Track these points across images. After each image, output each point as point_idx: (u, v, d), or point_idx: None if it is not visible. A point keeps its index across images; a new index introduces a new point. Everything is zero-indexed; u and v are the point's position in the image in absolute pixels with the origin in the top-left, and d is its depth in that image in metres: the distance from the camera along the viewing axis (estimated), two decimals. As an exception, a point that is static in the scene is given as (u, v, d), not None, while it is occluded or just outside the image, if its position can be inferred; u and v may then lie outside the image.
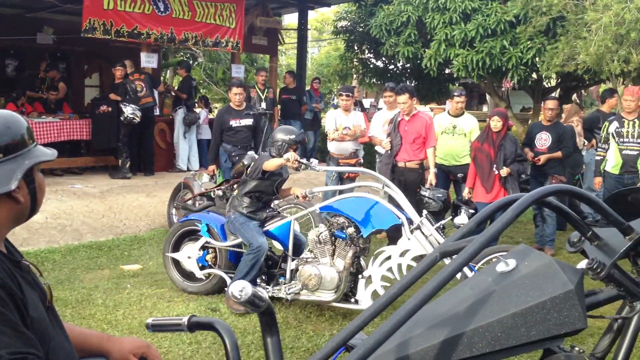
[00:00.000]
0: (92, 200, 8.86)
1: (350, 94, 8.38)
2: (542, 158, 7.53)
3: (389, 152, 7.45)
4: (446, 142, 7.84)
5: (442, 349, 1.51)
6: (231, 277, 5.40)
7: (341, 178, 7.97)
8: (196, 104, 12.69)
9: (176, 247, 5.82)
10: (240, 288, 1.32)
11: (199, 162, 11.97)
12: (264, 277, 5.43)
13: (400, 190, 7.29)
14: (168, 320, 1.64)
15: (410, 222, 5.08)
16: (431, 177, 7.37)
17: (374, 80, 15.62)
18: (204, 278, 5.64)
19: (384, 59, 14.64)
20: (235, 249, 5.54)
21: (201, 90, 20.56)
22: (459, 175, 7.78)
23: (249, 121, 8.11)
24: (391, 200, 5.58)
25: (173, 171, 11.49)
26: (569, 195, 1.65)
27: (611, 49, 9.38)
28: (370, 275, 4.99)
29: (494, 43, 10.90)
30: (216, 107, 25.12)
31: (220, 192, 7.62)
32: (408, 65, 14.09)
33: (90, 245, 7.48)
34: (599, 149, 7.54)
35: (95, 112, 10.60)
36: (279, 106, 12.96)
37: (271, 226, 5.43)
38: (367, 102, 22.91)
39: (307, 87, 14.48)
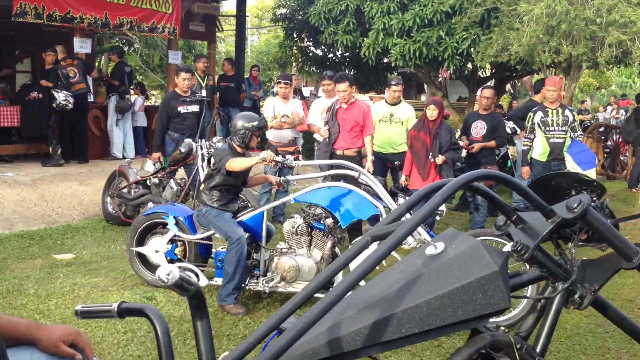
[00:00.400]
0: (24, 189, 8.60)
1: (289, 82, 8.37)
2: (476, 146, 7.74)
3: (327, 140, 7.49)
4: (384, 130, 7.93)
5: (373, 330, 1.54)
6: (202, 270, 5.25)
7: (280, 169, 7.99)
8: (131, 91, 12.44)
9: (140, 241, 5.60)
10: (167, 272, 1.31)
11: (135, 150, 11.76)
12: None
13: (338, 178, 7.39)
14: (97, 307, 1.62)
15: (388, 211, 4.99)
16: (369, 165, 7.46)
17: (314, 68, 15.61)
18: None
19: (323, 47, 14.65)
20: (205, 242, 5.40)
21: (137, 77, 20.14)
22: (396, 162, 7.90)
23: (195, 107, 8.00)
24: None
25: (108, 159, 11.26)
26: (494, 180, 1.69)
27: (542, 40, 9.64)
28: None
29: (430, 33, 11.05)
30: (153, 94, 24.68)
31: (156, 180, 7.53)
32: (347, 54, 14.15)
33: (22, 234, 7.28)
34: (524, 139, 7.77)
35: (25, 98, 10.25)
36: (217, 94, 12.83)
37: (243, 217, 5.22)
38: (307, 91, 22.92)
39: (246, 75, 14.36)
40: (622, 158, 14.30)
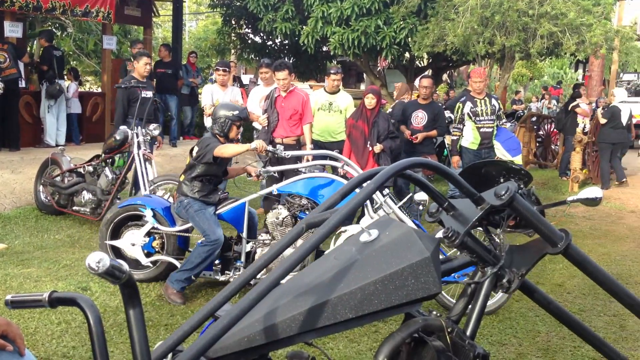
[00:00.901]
0: (-49, 177, 8.28)
1: (227, 69, 8.30)
2: (420, 136, 7.85)
3: (266, 128, 7.47)
4: (322, 119, 7.96)
5: (308, 316, 1.56)
6: (181, 263, 5.11)
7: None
8: (65, 77, 12.09)
9: (114, 234, 5.43)
10: (97, 259, 1.29)
11: (69, 137, 11.46)
12: (217, 262, 5.11)
13: (277, 166, 7.38)
14: (28, 296, 1.58)
15: (372, 201, 5.01)
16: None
17: (253, 55, 15.51)
18: (151, 265, 5.30)
19: (262, 34, 14.57)
20: (184, 234, 5.28)
21: (71, 63, 19.55)
22: (335, 151, 7.94)
23: (150, 93, 7.79)
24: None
25: (40, 146, 10.91)
26: (426, 167, 1.73)
27: (477, 30, 9.84)
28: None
29: (368, 22, 11.12)
30: (87, 80, 24.03)
31: (90, 168, 7.35)
32: (286, 41, 14.11)
33: (-50, 224, 7.02)
34: (454, 129, 7.90)
35: (-49, 83, 9.84)
36: (154, 80, 12.59)
37: (224, 208, 5.15)
38: (246, 78, 22.75)
39: (184, 62, 14.15)
40: (553, 147, 14.74)
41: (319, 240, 1.50)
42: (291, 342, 1.59)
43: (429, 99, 8.17)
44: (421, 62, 14.87)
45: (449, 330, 1.69)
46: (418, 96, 8.46)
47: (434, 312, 1.73)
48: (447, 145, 10.84)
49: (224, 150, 4.99)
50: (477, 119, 7.68)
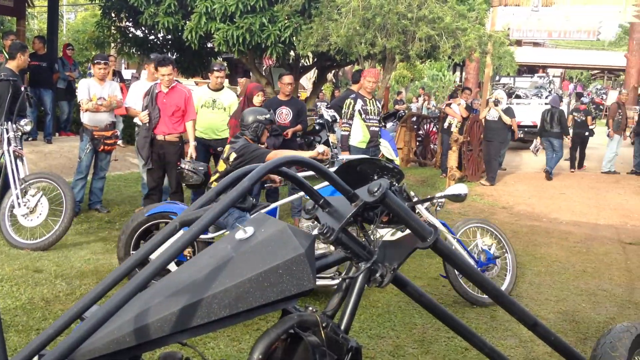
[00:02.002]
0: None
1: (106, 62, 8.00)
2: (289, 132, 7.90)
3: (147, 125, 7.28)
4: (206, 116, 7.86)
5: (181, 316, 1.53)
6: None
7: (96, 151, 7.68)
8: None
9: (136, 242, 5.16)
10: None
11: None
12: None
13: (161, 163, 7.22)
14: None
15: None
16: (191, 151, 7.37)
17: (134, 50, 15.06)
18: None
19: (143, 28, 14.16)
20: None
21: None
22: (219, 149, 7.85)
23: (22, 87, 7.30)
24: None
25: None
26: (301, 165, 1.74)
27: (359, 32, 10.04)
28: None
29: (253, 19, 11.07)
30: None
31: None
32: (169, 36, 13.79)
33: None
34: (344, 125, 7.92)
35: None
36: (27, 73, 11.95)
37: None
38: (128, 73, 22.08)
39: (60, 55, 13.53)
40: (432, 146, 15.33)
41: (191, 238, 1.48)
42: (164, 342, 1.56)
43: (290, 95, 8.18)
44: (306, 61, 15.00)
45: (323, 325, 1.71)
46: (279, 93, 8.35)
47: (310, 308, 1.75)
48: (331, 144, 11.00)
49: (281, 154, 5.08)
50: (367, 117, 7.76)
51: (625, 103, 16.46)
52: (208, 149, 7.99)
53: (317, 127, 11.62)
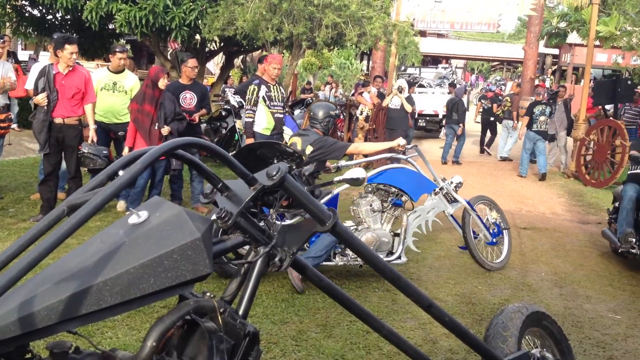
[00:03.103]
0: None
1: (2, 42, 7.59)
2: (196, 116, 7.79)
3: (45, 107, 6.96)
4: (106, 99, 7.61)
5: (69, 303, 1.46)
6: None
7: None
8: None
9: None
10: None
11: None
12: None
13: (59, 147, 6.94)
14: None
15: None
16: (92, 134, 7.15)
17: (30, 30, 14.34)
18: None
19: (41, 7, 13.51)
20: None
21: None
22: (120, 133, 7.64)
23: None
24: None
25: None
26: (196, 147, 1.69)
27: (265, 17, 9.97)
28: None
29: (157, 1, 10.77)
30: None
31: None
32: (68, 16, 13.22)
33: None
34: (249, 111, 7.81)
35: None
36: None
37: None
38: (26, 55, 21.06)
39: (-52, 32, 12.71)
40: (339, 133, 15.47)
41: (77, 223, 1.41)
42: (51, 331, 1.49)
43: (193, 79, 8.04)
44: (213, 45, 14.77)
45: (221, 310, 1.67)
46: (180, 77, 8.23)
47: (208, 293, 1.72)
48: (238, 130, 10.91)
49: (363, 147, 5.94)
50: (272, 103, 7.72)
51: (518, 94, 17.23)
52: (108, 133, 7.74)
53: (223, 113, 11.48)
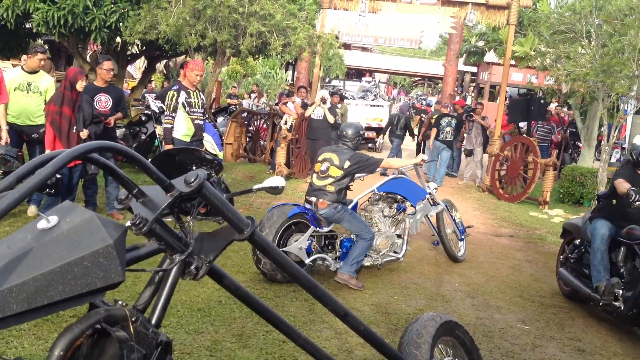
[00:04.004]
0: None
1: None
2: (111, 120, 7.61)
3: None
4: (19, 100, 7.32)
5: None
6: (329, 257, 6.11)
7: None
8: None
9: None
10: None
11: None
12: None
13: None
14: None
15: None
16: (3, 135, 6.91)
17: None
18: (312, 264, 5.97)
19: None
20: (331, 233, 6.22)
21: None
22: (34, 135, 7.38)
23: None
24: None
25: None
26: (111, 151, 1.65)
27: (189, 22, 9.88)
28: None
29: (76, 1, 10.48)
30: None
31: None
32: (-19, 13, 12.68)
33: None
34: (167, 117, 7.66)
35: None
36: None
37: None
38: None
39: None
40: (262, 142, 15.44)
41: None
42: None
43: (108, 82, 7.85)
44: (135, 49, 14.49)
45: (132, 319, 1.63)
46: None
47: (119, 302, 1.67)
48: (158, 135, 10.71)
49: (392, 163, 6.92)
50: (191, 110, 7.62)
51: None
52: (21, 135, 7.44)
53: (143, 118, 11.24)
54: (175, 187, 1.68)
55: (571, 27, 10.62)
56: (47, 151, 6.92)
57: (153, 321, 1.71)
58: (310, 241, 6.00)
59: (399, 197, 6.66)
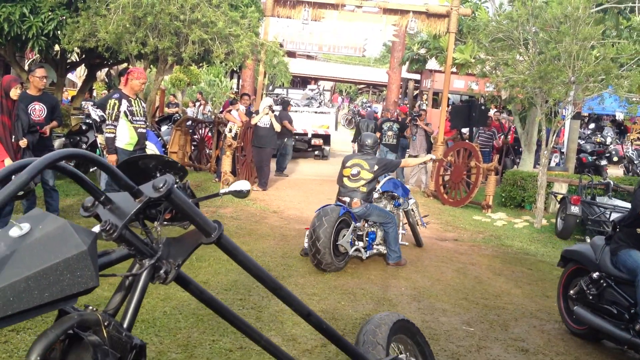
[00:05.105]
0: None
1: None
2: (47, 129, 7.44)
3: None
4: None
5: None
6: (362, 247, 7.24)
7: None
8: None
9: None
10: None
11: None
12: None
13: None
14: None
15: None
16: None
17: None
18: (354, 254, 7.11)
19: None
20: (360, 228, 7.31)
21: None
22: None
23: None
24: None
25: None
26: (81, 159, 1.67)
27: (129, 29, 9.72)
28: None
29: (13, 9, 10.21)
30: None
31: None
32: None
33: None
34: (109, 126, 7.54)
35: None
36: None
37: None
38: None
39: None
40: (207, 151, 15.31)
41: None
42: None
43: (41, 90, 7.70)
44: (74, 57, 14.18)
45: (105, 324, 1.66)
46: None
47: (90, 307, 1.70)
48: (99, 145, 10.50)
49: (408, 162, 8.76)
50: (134, 118, 7.50)
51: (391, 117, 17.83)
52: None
53: (84, 127, 11.01)
54: (143, 193, 1.71)
55: (509, 35, 10.86)
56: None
57: (125, 325, 1.75)
58: (351, 235, 7.02)
59: (396, 194, 7.79)
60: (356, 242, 7.12)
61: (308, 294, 6.04)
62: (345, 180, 7.31)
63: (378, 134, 13.96)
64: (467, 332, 5.45)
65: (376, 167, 7.24)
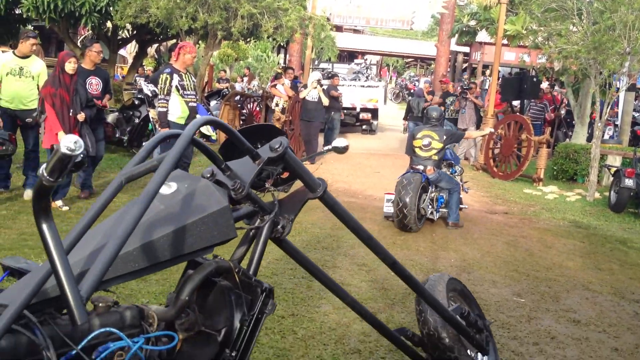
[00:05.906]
0: None
1: None
2: (106, 102, 7.71)
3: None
4: (12, 84, 7.31)
5: (140, 253, 1.60)
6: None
7: None
8: None
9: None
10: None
11: None
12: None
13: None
14: None
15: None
16: (-2, 121, 6.95)
17: None
18: (428, 216, 7.90)
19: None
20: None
21: None
22: (28, 120, 7.37)
23: None
24: None
25: None
26: (216, 126, 1.89)
27: (180, 5, 9.83)
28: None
29: (67, -14, 10.43)
30: None
31: None
32: (-29, -1, 12.58)
33: None
34: (162, 101, 7.64)
35: None
36: None
37: None
38: None
39: None
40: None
41: (156, 188, 1.50)
42: (121, 280, 1.62)
43: (96, 64, 7.93)
44: (126, 33, 14.40)
45: (236, 270, 1.87)
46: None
47: (218, 257, 1.90)
48: (151, 119, 10.69)
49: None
50: (185, 92, 7.63)
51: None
52: (15, 120, 7.42)
53: (136, 102, 11.22)
54: (261, 156, 1.90)
55: (562, 5, 10.60)
56: (61, 134, 6.80)
57: (251, 272, 1.97)
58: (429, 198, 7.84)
59: (452, 163, 8.50)
60: (431, 205, 7.88)
61: (358, 264, 6.10)
62: (417, 150, 8.01)
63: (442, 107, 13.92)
64: (518, 303, 5.44)
65: (445, 137, 7.99)
